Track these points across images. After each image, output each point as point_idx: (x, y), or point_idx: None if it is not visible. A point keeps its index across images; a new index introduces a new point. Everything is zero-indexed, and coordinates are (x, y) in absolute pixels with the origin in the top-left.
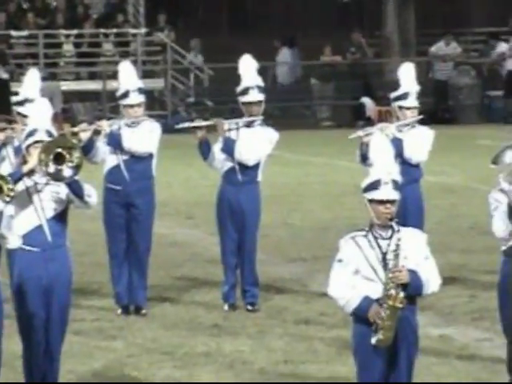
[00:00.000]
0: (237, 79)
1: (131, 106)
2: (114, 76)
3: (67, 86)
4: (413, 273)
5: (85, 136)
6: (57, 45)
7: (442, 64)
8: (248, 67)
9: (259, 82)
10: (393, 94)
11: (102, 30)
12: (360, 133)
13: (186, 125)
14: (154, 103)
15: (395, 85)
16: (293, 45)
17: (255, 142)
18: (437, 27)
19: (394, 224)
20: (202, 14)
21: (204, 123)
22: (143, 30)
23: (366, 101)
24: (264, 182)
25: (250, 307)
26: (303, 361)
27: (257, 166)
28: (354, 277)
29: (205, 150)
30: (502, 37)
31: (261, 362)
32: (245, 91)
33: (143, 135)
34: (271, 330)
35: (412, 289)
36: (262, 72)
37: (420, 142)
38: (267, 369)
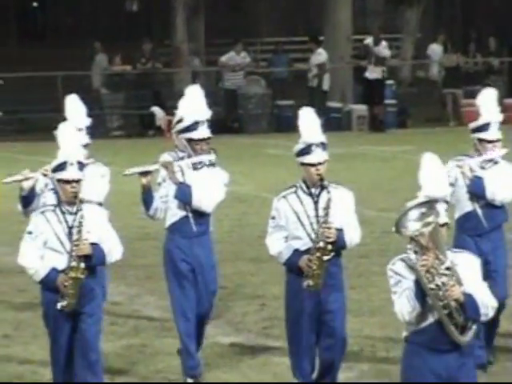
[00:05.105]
0: (25, 89)
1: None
2: None
3: None
4: (95, 245)
5: (27, 185)
6: None
7: (231, 73)
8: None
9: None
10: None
11: None
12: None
13: (137, 170)
14: None
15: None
16: None
17: (210, 186)
18: (225, 37)
19: (77, 201)
20: None
21: (152, 167)
22: None
23: (156, 110)
24: None
25: None
26: None
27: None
28: (42, 248)
29: (148, 199)
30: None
31: None
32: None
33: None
34: None
35: (94, 260)
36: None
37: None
38: None
